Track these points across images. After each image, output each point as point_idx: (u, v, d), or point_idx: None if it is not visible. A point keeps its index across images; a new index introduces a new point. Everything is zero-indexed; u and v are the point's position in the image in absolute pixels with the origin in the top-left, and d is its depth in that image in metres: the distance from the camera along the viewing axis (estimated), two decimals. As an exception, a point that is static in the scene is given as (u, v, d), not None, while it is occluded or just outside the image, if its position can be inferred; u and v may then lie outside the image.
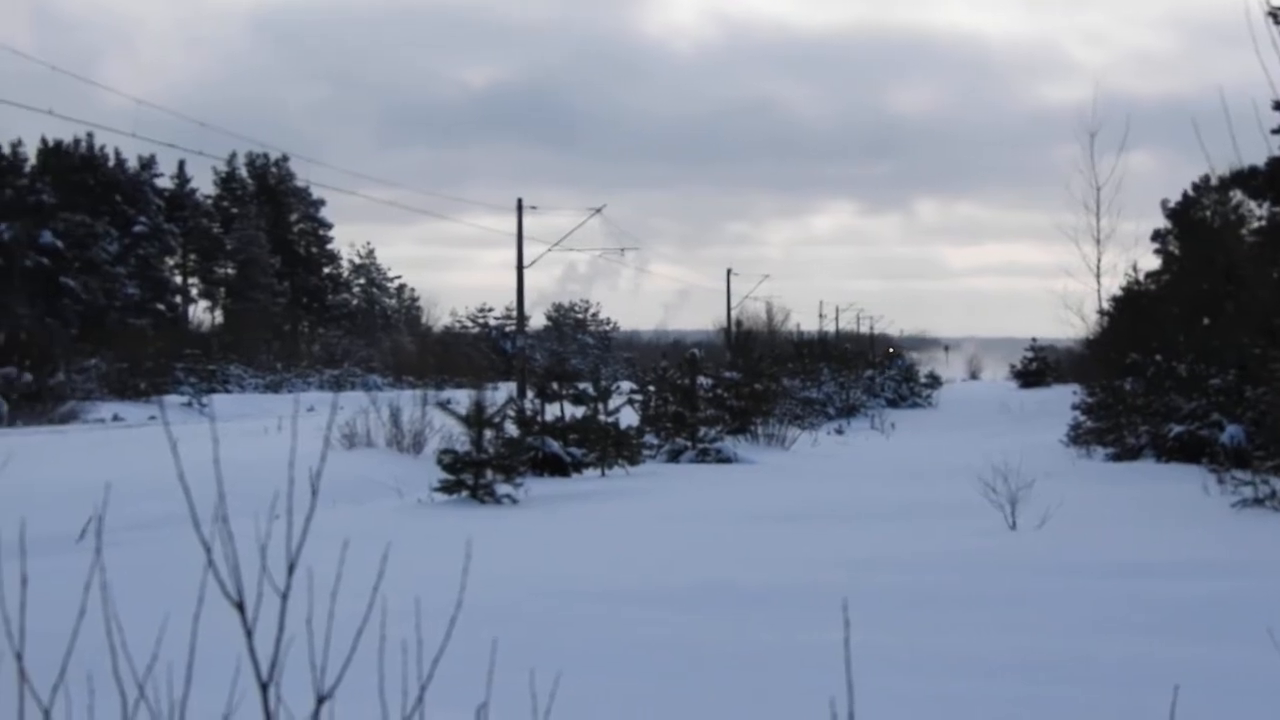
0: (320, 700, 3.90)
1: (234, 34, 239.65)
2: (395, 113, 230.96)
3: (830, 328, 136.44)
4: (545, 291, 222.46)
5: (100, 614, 3.91)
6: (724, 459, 38.49)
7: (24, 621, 3.89)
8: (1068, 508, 21.19)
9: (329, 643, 4.02)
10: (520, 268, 68.29)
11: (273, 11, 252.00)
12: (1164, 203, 73.50)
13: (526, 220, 68.21)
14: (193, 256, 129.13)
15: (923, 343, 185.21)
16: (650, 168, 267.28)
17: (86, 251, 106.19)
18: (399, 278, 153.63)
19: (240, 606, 3.75)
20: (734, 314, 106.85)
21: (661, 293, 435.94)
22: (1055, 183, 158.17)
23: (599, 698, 8.75)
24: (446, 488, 24.93)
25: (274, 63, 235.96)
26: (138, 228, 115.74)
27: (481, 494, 24.78)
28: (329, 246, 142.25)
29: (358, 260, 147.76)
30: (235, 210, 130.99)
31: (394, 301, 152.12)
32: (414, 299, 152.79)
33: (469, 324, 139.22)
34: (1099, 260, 54.41)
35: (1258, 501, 22.90)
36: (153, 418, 60.43)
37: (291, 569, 3.83)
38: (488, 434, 25.73)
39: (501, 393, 41.30)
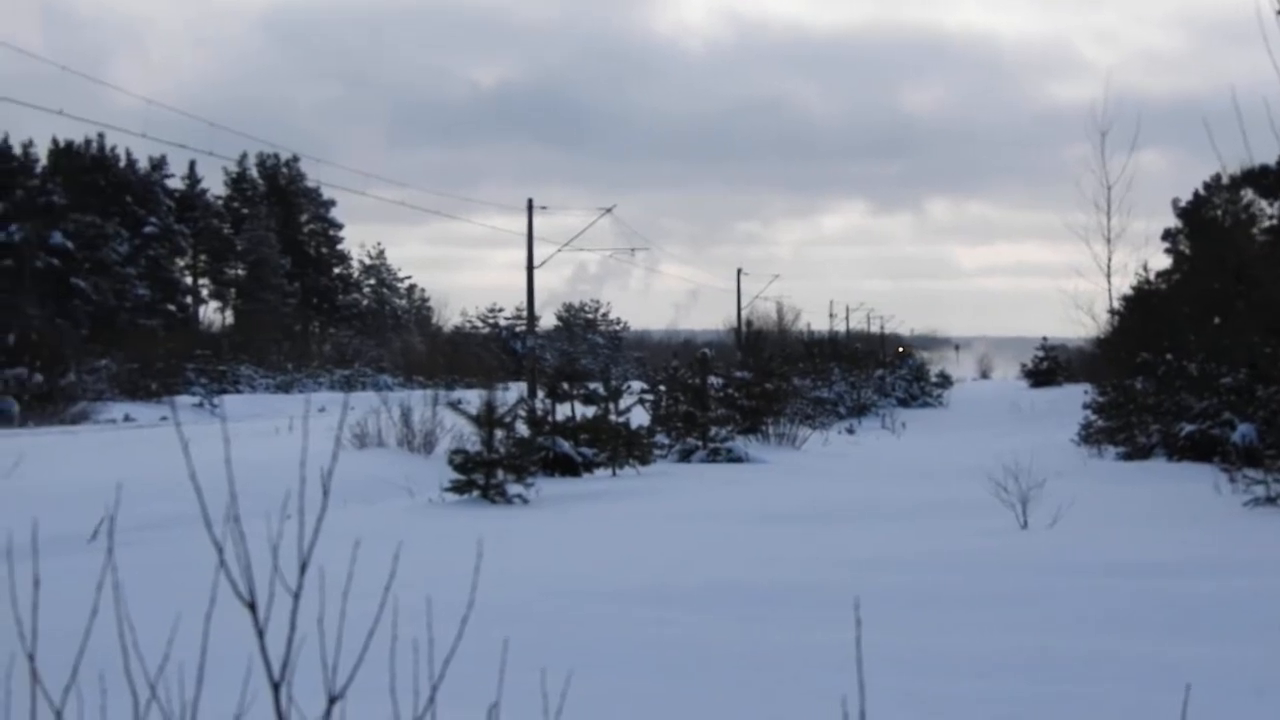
0: (332, 700, 3.91)
1: (244, 34, 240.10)
2: (405, 113, 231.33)
3: (841, 327, 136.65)
4: (556, 291, 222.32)
5: (113, 614, 3.92)
6: (735, 459, 38.49)
7: (36, 622, 3.90)
8: (1079, 507, 21.17)
9: (340, 642, 4.02)
10: (530, 268, 68.25)
11: (282, 11, 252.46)
12: (1175, 202, 73.49)
13: (537, 220, 68.26)
14: (203, 257, 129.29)
15: (933, 342, 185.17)
16: (660, 167, 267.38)
17: (97, 252, 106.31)
18: (409, 278, 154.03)
19: (252, 606, 3.75)
20: (745, 314, 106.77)
21: (672, 292, 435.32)
22: (1066, 182, 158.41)
23: (610, 697, 8.75)
24: (458, 487, 24.95)
25: (284, 63, 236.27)
26: (148, 228, 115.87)
27: (493, 494, 24.80)
28: (339, 247, 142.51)
29: (368, 260, 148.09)
30: (246, 211, 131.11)
31: (404, 302, 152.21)
32: (424, 299, 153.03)
33: (479, 324, 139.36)
34: (1109, 259, 54.25)
35: (1270, 500, 22.88)
36: (164, 418, 60.53)
37: (303, 569, 3.84)
38: (499, 434, 25.75)
39: (512, 393, 41.30)
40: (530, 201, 68.46)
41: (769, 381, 49.25)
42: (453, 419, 31.00)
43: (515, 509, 23.98)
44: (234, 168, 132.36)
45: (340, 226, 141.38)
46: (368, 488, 25.94)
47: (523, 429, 30.47)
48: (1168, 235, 72.35)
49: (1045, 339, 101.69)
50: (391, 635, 4.23)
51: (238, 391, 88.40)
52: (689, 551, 17.49)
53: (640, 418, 39.42)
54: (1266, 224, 52.73)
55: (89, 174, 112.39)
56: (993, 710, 8.83)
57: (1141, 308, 52.83)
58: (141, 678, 3.84)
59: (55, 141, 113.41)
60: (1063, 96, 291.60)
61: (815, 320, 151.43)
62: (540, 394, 38.30)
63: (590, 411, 34.49)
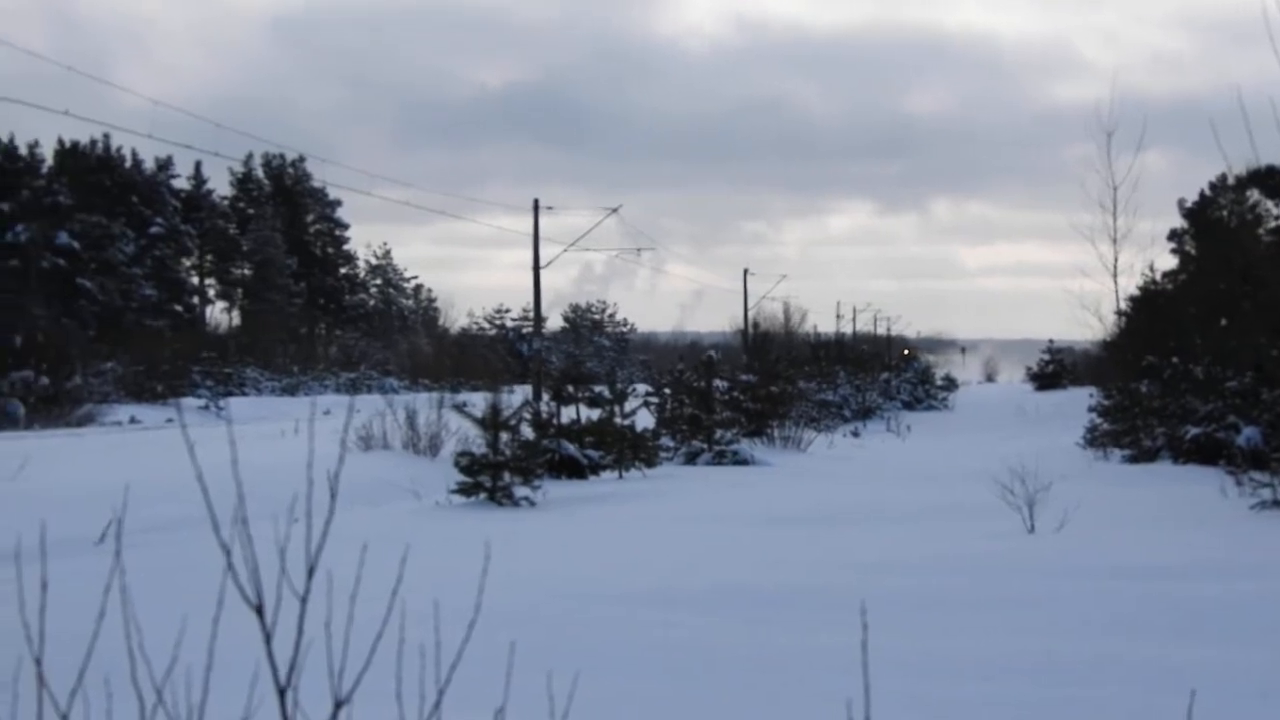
0: (339, 705, 3.91)
1: (250, 36, 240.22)
2: (411, 113, 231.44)
3: (847, 328, 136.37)
4: (562, 292, 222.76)
5: (119, 617, 3.92)
6: (740, 461, 38.48)
7: (44, 625, 3.91)
8: (1085, 510, 21.17)
9: (347, 646, 4.03)
10: (537, 268, 68.30)
11: (289, 13, 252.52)
12: (1181, 202, 73.56)
13: (542, 220, 68.26)
14: (209, 257, 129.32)
15: (939, 344, 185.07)
16: (664, 167, 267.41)
17: (103, 253, 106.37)
18: (415, 278, 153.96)
19: (259, 610, 3.76)
20: (751, 314, 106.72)
21: (678, 293, 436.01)
22: (1066, 182, 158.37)
23: (617, 700, 8.76)
24: (464, 490, 24.95)
25: (289, 64, 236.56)
26: (154, 229, 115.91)
27: (499, 496, 24.81)
28: (345, 247, 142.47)
29: (374, 261, 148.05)
30: (251, 211, 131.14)
31: (411, 302, 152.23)
32: (431, 299, 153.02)
33: (486, 325, 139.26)
34: (1116, 260, 54.29)
35: (1275, 503, 22.88)
36: (170, 420, 60.49)
37: (310, 572, 3.84)
38: (504, 436, 25.74)
39: (518, 395, 41.33)
40: (536, 202, 68.56)
41: (774, 384, 49.23)
42: (458, 421, 30.99)
43: (521, 511, 23.99)
44: (240, 168, 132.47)
45: (346, 226, 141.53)
46: (374, 490, 25.97)
47: (528, 432, 30.46)
48: (1173, 235, 72.41)
49: (1052, 341, 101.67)
50: (398, 639, 4.23)
51: (243, 394, 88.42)
52: (695, 554, 17.49)
53: (645, 420, 39.41)
54: (1273, 224, 52.78)
55: (95, 174, 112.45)
56: (998, 713, 8.84)
57: (1148, 308, 52.90)
58: (148, 681, 3.85)
59: (61, 142, 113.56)
60: (1063, 96, 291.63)
61: (822, 321, 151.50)
62: (546, 396, 38.29)
63: (596, 414, 34.51)
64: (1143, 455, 38.66)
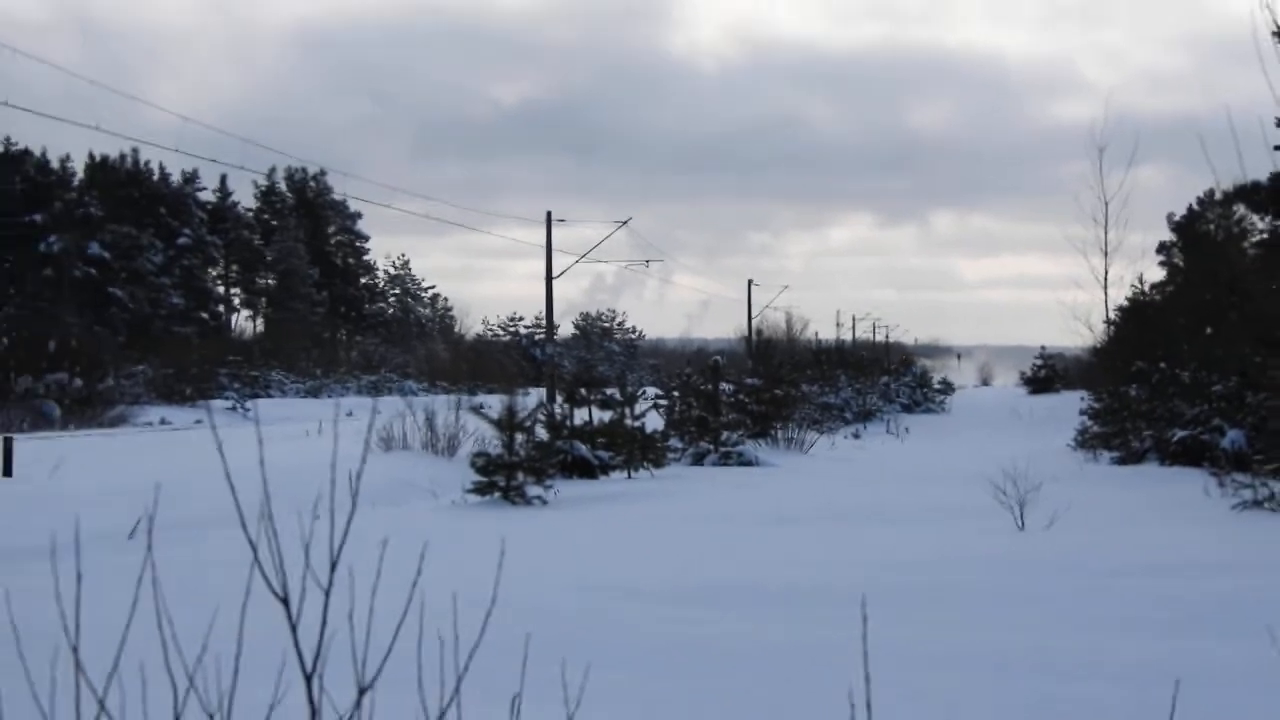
0: (362, 691, 3.93)
1: (275, 52, 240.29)
2: (430, 129, 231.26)
3: (848, 336, 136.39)
4: (574, 301, 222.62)
5: (152, 608, 3.94)
6: (745, 462, 38.46)
7: (79, 616, 3.92)
8: (1075, 510, 21.18)
9: (370, 636, 4.04)
10: (549, 278, 68.29)
11: (313, 31, 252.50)
12: (1170, 216, 73.59)
13: (555, 233, 68.34)
14: (234, 267, 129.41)
15: (936, 350, 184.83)
16: (674, 181, 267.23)
17: (133, 262, 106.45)
18: (433, 288, 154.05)
19: (285, 602, 3.77)
20: (755, 323, 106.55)
21: (685, 302, 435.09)
22: (1065, 197, 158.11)
23: (627, 690, 8.77)
24: (479, 489, 24.97)
25: (313, 81, 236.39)
26: (182, 239, 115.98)
27: (513, 495, 24.81)
28: (366, 258, 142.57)
29: (393, 271, 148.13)
30: (275, 223, 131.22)
31: (428, 310, 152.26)
32: (447, 308, 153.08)
33: (500, 332, 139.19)
34: (1106, 272, 54.21)
35: (1257, 504, 22.91)
36: (198, 421, 60.50)
37: (334, 566, 3.86)
38: (519, 438, 25.75)
39: (532, 398, 41.25)
40: (549, 215, 68.57)
41: (778, 388, 49.21)
42: (475, 423, 31.00)
43: (535, 510, 23.99)
44: (264, 181, 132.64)
45: (366, 238, 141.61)
46: (393, 489, 25.97)
47: (542, 433, 30.47)
48: (1163, 248, 72.45)
49: (1044, 348, 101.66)
50: (418, 630, 4.25)
51: (269, 396, 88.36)
52: (702, 551, 17.51)
53: (655, 422, 39.39)
54: (1258, 238, 52.67)
55: (124, 187, 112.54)
56: (995, 705, 8.84)
57: (1137, 318, 52.75)
58: (180, 669, 3.87)
59: (92, 156, 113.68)
60: (1064, 115, 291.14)
61: (823, 329, 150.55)
62: (559, 399, 38.32)
63: (607, 416, 34.51)
64: (1131, 457, 38.64)
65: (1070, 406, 55.60)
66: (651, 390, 46.85)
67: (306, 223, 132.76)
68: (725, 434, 40.64)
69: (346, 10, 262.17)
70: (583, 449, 32.06)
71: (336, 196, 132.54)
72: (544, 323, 74.60)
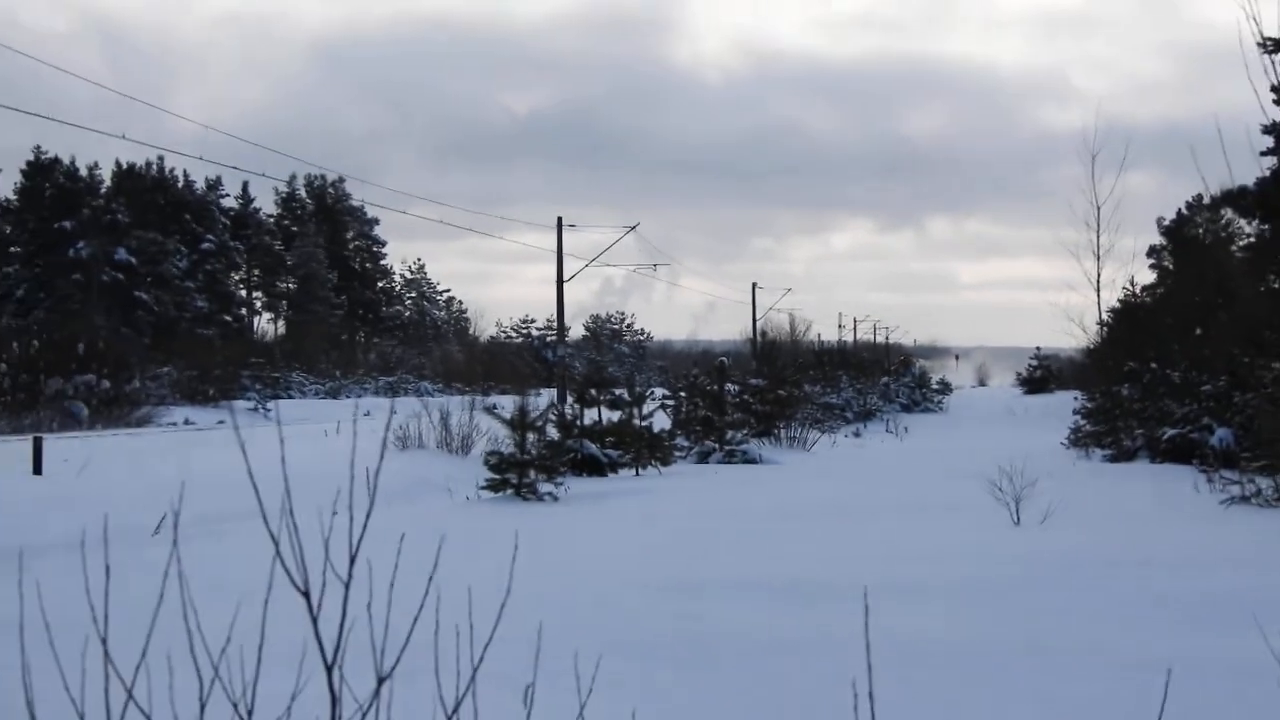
0: (381, 681, 3.94)
1: (295, 63, 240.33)
2: (444, 137, 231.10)
3: (849, 337, 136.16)
4: (584, 304, 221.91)
5: (178, 601, 3.95)
6: (750, 460, 38.48)
7: (108, 608, 3.93)
8: (1068, 506, 21.18)
9: (388, 628, 4.05)
10: (560, 282, 68.27)
11: (332, 43, 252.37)
12: (1160, 220, 73.42)
13: (566, 237, 68.17)
14: (256, 271, 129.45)
15: (934, 351, 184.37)
16: (681, 188, 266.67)
17: (158, 267, 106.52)
18: (448, 291, 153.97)
19: (307, 595, 3.78)
20: (759, 325, 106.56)
21: (692, 305, 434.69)
22: (1059, 202, 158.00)
23: (637, 679, 8.77)
24: (493, 486, 25.00)
25: (332, 91, 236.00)
26: (205, 245, 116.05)
27: (525, 492, 24.83)
28: (383, 262, 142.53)
29: (409, 275, 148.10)
30: (295, 228, 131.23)
31: (443, 313, 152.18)
32: (462, 311, 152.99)
33: (513, 334, 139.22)
34: (1099, 274, 54.29)
35: (1245, 499, 22.93)
36: (221, 422, 60.47)
37: (353, 560, 3.87)
38: (531, 436, 25.77)
39: (543, 398, 41.29)
40: (560, 220, 68.54)
41: (781, 388, 49.22)
42: (488, 423, 31.00)
43: (546, 506, 24.00)
44: (284, 188, 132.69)
45: (383, 243, 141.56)
46: (410, 487, 25.97)
47: (553, 432, 30.49)
48: (1153, 252, 72.29)
49: (1039, 349, 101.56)
50: (435, 621, 4.26)
51: (289, 397, 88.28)
52: (708, 546, 17.51)
53: (662, 422, 39.42)
54: (1245, 241, 52.66)
55: (150, 194, 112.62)
56: (990, 694, 8.85)
57: (1128, 319, 52.74)
58: (205, 659, 3.87)
59: (119, 164, 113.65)
60: (1056, 122, 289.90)
61: (825, 331, 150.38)
62: (569, 399, 38.34)
63: (616, 416, 34.53)
64: (1122, 455, 38.61)
65: (1064, 406, 55.54)
66: (659, 390, 46.93)
67: (326, 228, 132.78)
68: (730, 433, 40.68)
69: (364, 24, 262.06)
70: (592, 447, 32.08)
71: (355, 203, 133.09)
72: (555, 325, 74.57)
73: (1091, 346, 58.69)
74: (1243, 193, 35.15)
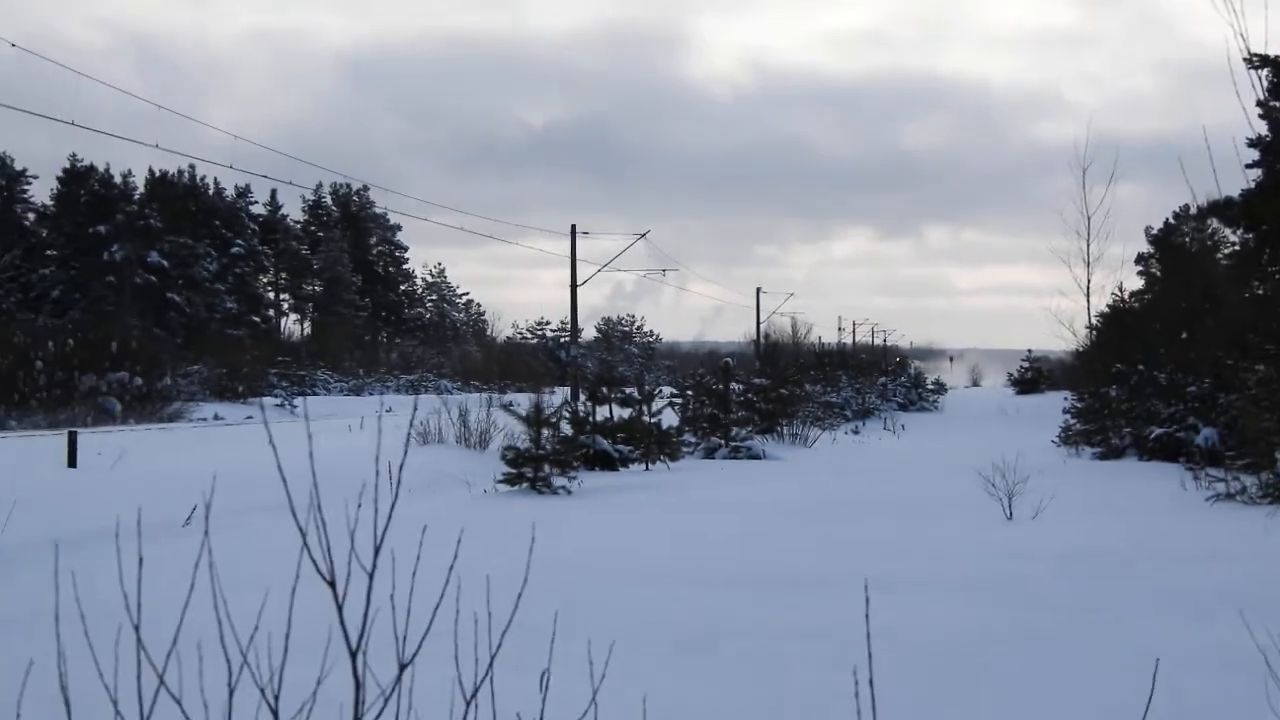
0: (402, 667, 3.92)
1: (322, 76, 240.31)
2: (465, 148, 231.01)
3: (848, 340, 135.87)
4: (596, 307, 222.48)
5: (208, 590, 3.93)
6: (754, 456, 38.47)
7: (140, 596, 3.91)
8: (1059, 501, 21.16)
9: (410, 616, 4.03)
10: (574, 286, 68.21)
11: (358, 56, 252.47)
12: (1148, 229, 73.34)
13: (579, 244, 68.07)
14: (284, 275, 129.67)
15: (930, 353, 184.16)
16: (689, 197, 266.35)
17: (189, 270, 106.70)
18: (467, 294, 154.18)
19: (332, 584, 3.76)
20: (763, 328, 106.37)
21: (699, 308, 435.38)
22: (1050, 212, 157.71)
23: (649, 665, 8.75)
24: (509, 480, 24.98)
25: (357, 102, 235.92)
26: (235, 249, 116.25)
27: (540, 486, 24.83)
28: (405, 266, 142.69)
29: (430, 279, 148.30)
30: (321, 234, 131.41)
31: (462, 315, 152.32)
32: (480, 313, 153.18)
33: (529, 335, 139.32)
34: (1089, 281, 54.17)
35: (1229, 496, 22.92)
36: (249, 417, 60.57)
37: (377, 551, 3.85)
38: (545, 432, 25.78)
39: (557, 396, 41.35)
40: (574, 227, 68.43)
41: (784, 387, 49.20)
42: (505, 419, 31.02)
43: (560, 499, 23.99)
44: (311, 196, 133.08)
45: (405, 249, 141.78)
46: (430, 480, 25.97)
47: (567, 428, 30.50)
48: (1141, 259, 72.23)
49: (1030, 351, 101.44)
50: (455, 609, 4.24)
51: (314, 394, 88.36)
52: (714, 538, 17.49)
53: (670, 419, 39.44)
54: (1229, 250, 52.59)
55: (182, 201, 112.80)
56: (984, 682, 8.83)
57: (1117, 324, 52.63)
58: (234, 646, 3.85)
59: (152, 172, 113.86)
60: (1048, 136, 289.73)
61: (826, 333, 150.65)
62: (582, 397, 38.40)
63: (626, 413, 34.54)
64: (1111, 453, 38.57)
65: (1054, 405, 55.49)
66: (667, 389, 46.89)
67: (350, 234, 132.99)
68: (735, 430, 40.65)
69: (390, 41, 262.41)
70: (604, 443, 32.07)
71: (378, 210, 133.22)
72: (569, 327, 74.41)
73: (1081, 349, 58.55)
74: (1228, 203, 35.09)
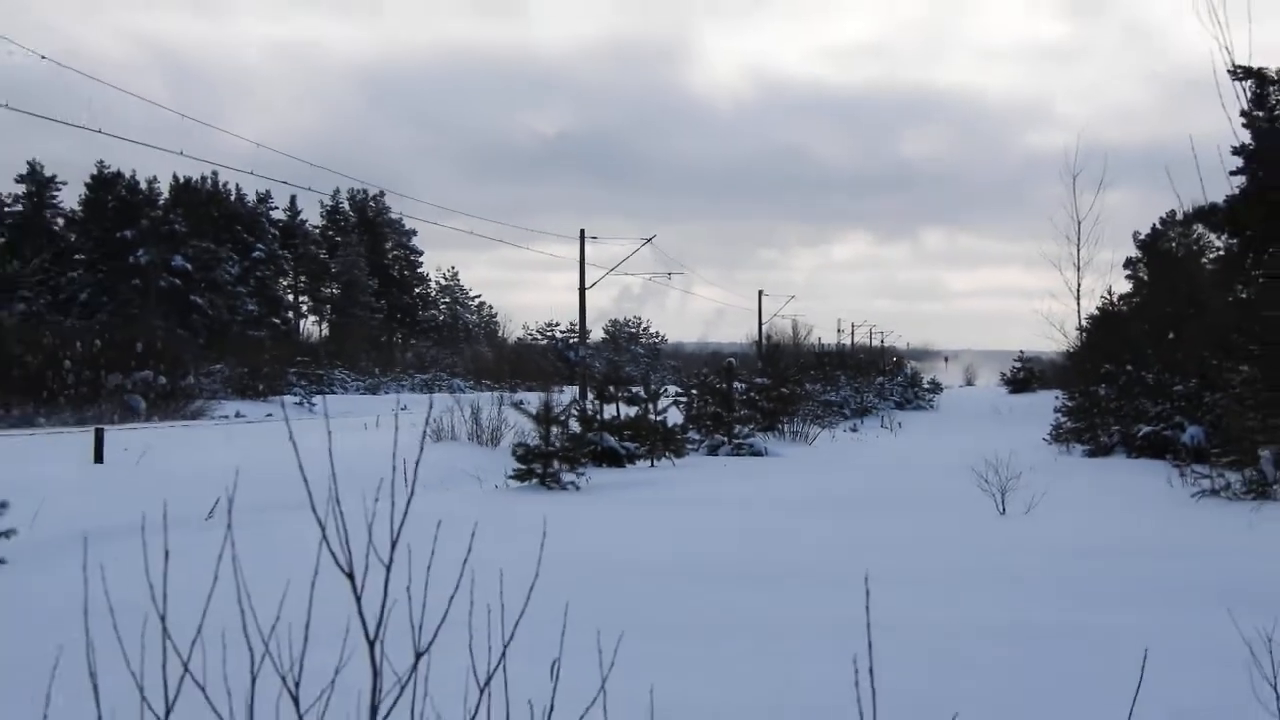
0: (419, 656, 3.92)
1: (340, 88, 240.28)
2: (477, 156, 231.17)
3: (847, 341, 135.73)
4: (604, 310, 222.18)
5: (231, 581, 3.93)
6: (756, 453, 38.46)
7: (166, 587, 3.91)
8: (1050, 497, 21.16)
9: (425, 606, 4.03)
10: (582, 289, 68.12)
11: (375, 68, 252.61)
12: (1135, 234, 73.41)
13: (587, 248, 68.04)
14: (303, 278, 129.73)
15: (926, 354, 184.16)
16: (693, 203, 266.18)
17: (212, 273, 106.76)
18: (479, 296, 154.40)
19: (351, 575, 3.76)
20: (764, 329, 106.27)
21: (702, 311, 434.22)
22: (1042, 217, 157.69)
23: (655, 656, 8.75)
24: (520, 475, 25.01)
25: (374, 111, 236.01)
26: (256, 253, 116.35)
27: (549, 481, 24.83)
28: (419, 270, 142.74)
29: (444, 281, 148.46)
30: (339, 239, 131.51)
31: (475, 317, 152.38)
32: (492, 315, 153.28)
33: (538, 336, 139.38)
34: (1079, 284, 54.35)
35: (1214, 492, 22.90)
36: (269, 415, 60.62)
37: (394, 544, 3.85)
38: (555, 430, 25.78)
39: (566, 395, 41.36)
40: (582, 232, 68.33)
41: (785, 387, 49.23)
42: (515, 417, 31.09)
43: (569, 494, 23.99)
44: (329, 201, 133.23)
45: (420, 252, 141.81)
46: (443, 475, 26.00)
47: (575, 426, 30.49)
48: (1129, 263, 72.25)
49: (1022, 352, 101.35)
50: (469, 600, 4.24)
51: (332, 393, 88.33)
52: (717, 533, 17.49)
53: (675, 417, 39.44)
54: (1214, 254, 52.57)
55: (205, 206, 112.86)
56: (977, 670, 8.82)
57: (1105, 326, 52.64)
58: (257, 635, 3.85)
59: (176, 178, 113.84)
60: (1040, 145, 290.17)
61: (825, 335, 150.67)
62: (590, 396, 38.34)
63: (633, 411, 34.55)
64: (1100, 450, 38.55)
65: (1046, 404, 55.49)
66: (672, 389, 46.87)
67: (367, 239, 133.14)
68: (738, 428, 40.66)
69: (404, 52, 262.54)
70: (611, 440, 32.09)
71: (394, 215, 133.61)
72: (577, 328, 74.34)
73: (1071, 350, 58.63)
74: (1213, 210, 35.14)
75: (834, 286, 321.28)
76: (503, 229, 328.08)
